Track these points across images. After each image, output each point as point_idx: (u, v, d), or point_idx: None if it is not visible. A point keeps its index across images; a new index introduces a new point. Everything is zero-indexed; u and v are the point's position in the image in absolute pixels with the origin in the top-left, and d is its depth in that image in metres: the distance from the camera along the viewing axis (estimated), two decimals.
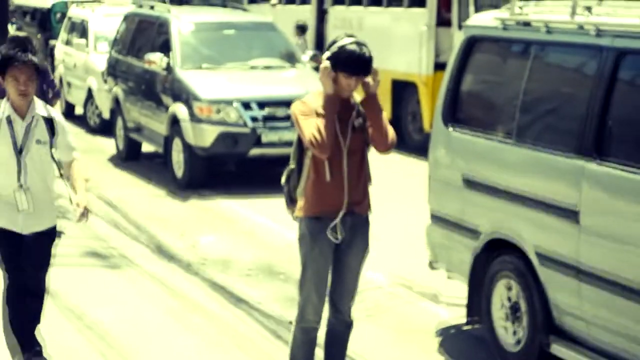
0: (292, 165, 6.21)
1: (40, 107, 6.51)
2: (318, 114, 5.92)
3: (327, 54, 5.98)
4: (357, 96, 6.14)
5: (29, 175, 6.42)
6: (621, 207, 5.97)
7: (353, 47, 5.92)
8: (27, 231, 6.49)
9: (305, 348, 6.24)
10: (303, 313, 6.18)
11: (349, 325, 6.29)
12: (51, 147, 6.48)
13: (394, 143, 6.14)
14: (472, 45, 7.52)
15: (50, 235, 6.63)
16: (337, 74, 5.92)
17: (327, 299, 6.22)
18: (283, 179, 6.25)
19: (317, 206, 6.04)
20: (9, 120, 6.40)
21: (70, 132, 6.68)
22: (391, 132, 6.09)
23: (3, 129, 6.40)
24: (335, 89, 5.95)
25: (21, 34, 14.34)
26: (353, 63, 5.90)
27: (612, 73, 6.09)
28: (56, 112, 6.66)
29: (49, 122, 6.48)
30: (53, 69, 21.70)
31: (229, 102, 13.01)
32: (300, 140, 6.07)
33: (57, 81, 21.52)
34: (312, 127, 5.88)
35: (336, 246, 6.09)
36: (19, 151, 6.39)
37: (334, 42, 6.00)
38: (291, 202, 6.24)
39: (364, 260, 6.22)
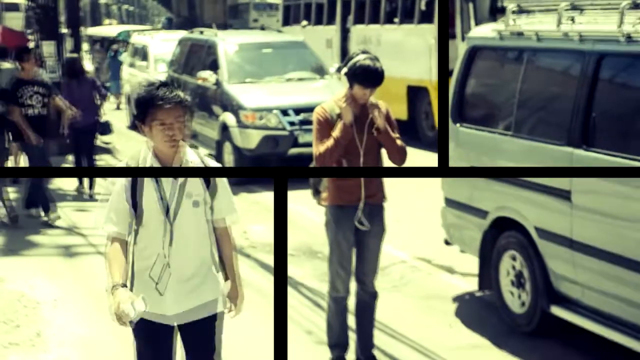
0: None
1: (192, 155, 4.40)
2: (331, 134, 5.93)
3: (344, 69, 5.97)
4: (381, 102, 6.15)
5: (180, 247, 4.32)
6: (605, 186, 5.95)
7: (367, 62, 5.90)
8: (180, 322, 4.42)
9: (339, 315, 6.27)
10: (333, 286, 6.22)
11: (374, 295, 6.30)
12: (211, 206, 4.41)
13: (406, 158, 6.14)
14: (474, 54, 7.50)
15: (213, 321, 4.46)
16: (354, 86, 5.93)
17: (353, 274, 6.25)
18: None
19: (338, 198, 6.06)
20: (157, 178, 4.33)
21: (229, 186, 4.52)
22: (403, 149, 6.08)
23: (149, 188, 4.30)
24: (353, 105, 5.96)
25: (73, 55, 14.36)
26: (367, 76, 5.88)
27: (594, 73, 6.07)
28: (212, 160, 4.52)
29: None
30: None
31: (269, 110, 13.05)
32: None
33: (123, 98, 21.78)
34: (321, 145, 5.93)
35: (357, 229, 6.10)
36: (169, 215, 4.29)
37: (351, 58, 6.00)
38: (316, 192, 6.28)
39: (382, 241, 6.22)
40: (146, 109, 4.26)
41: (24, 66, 10.61)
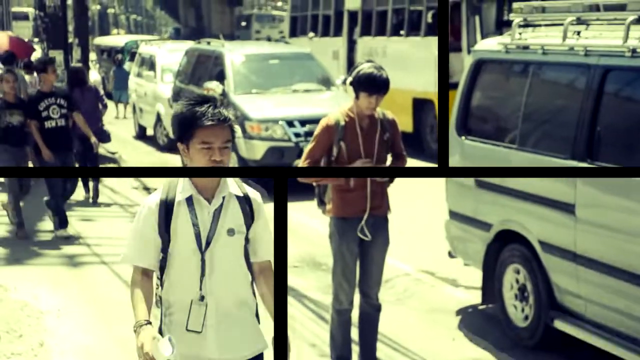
0: None
1: (232, 184, 3.93)
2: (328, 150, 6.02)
3: (349, 79, 5.99)
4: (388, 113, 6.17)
5: (215, 281, 3.86)
6: (609, 200, 5.94)
7: (371, 70, 5.92)
8: None
9: (342, 327, 6.25)
10: (337, 298, 6.21)
11: (377, 308, 6.29)
12: (247, 239, 3.95)
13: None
14: (479, 67, 7.50)
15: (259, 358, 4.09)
16: (359, 94, 5.93)
17: (357, 286, 6.24)
18: (314, 183, 6.30)
19: (343, 209, 6.06)
20: (190, 203, 3.84)
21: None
22: (404, 163, 6.23)
23: (182, 215, 3.84)
24: (358, 111, 5.98)
25: (77, 65, 14.35)
26: (372, 83, 5.90)
27: (599, 87, 6.06)
28: (253, 190, 4.00)
29: (246, 203, 3.93)
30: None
31: (275, 121, 13.05)
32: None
33: (129, 107, 21.80)
34: (305, 160, 6.02)
35: (361, 241, 6.09)
36: (204, 246, 3.84)
37: (355, 67, 6.01)
38: (321, 203, 6.28)
39: (385, 253, 6.21)
40: (185, 127, 3.78)
41: (43, 77, 10.48)
